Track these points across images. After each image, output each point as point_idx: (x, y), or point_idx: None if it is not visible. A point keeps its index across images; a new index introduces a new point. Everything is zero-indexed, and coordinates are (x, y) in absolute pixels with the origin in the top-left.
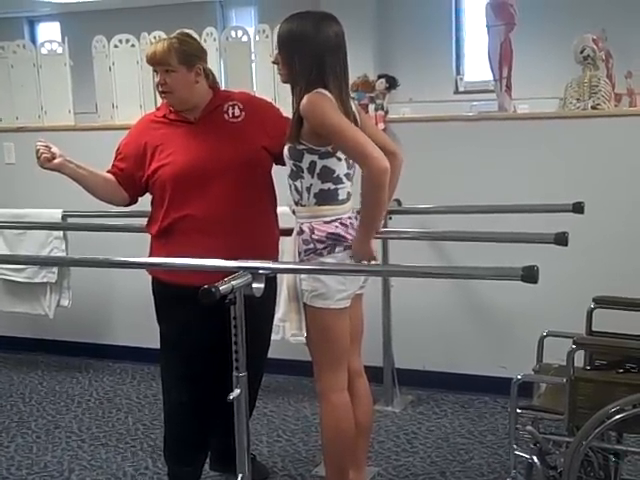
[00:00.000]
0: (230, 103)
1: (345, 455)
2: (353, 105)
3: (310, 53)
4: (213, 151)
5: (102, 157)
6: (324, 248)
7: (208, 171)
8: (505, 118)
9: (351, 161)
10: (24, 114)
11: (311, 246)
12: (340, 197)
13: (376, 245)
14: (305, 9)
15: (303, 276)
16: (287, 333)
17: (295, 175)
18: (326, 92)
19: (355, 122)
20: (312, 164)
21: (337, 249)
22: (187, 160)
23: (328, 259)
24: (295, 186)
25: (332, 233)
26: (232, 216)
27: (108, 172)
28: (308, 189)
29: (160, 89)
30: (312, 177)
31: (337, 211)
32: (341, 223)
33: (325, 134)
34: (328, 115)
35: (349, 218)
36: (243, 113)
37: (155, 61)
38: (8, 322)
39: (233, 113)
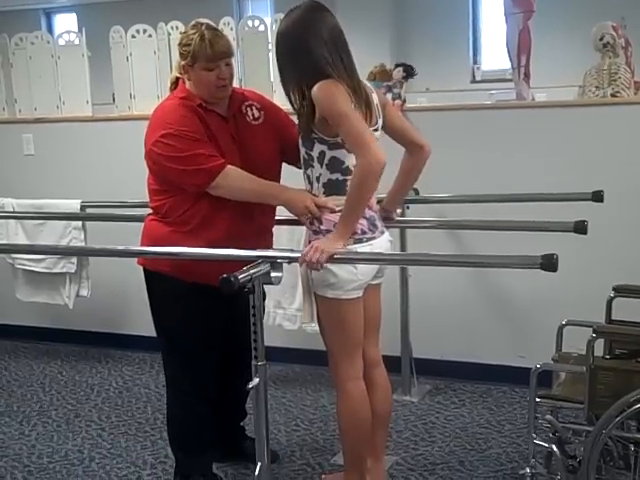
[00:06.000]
0: (247, 103)
1: (362, 444)
2: (376, 96)
3: (303, 52)
4: (246, 155)
5: (120, 147)
6: None
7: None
8: (523, 107)
9: None
10: (42, 105)
11: (320, 236)
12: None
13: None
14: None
15: None
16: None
17: (306, 164)
18: (338, 82)
19: (369, 111)
20: (321, 154)
21: (347, 242)
22: (231, 161)
23: None
24: (307, 175)
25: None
26: (257, 222)
27: (226, 163)
28: (317, 179)
29: (222, 83)
30: (321, 167)
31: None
32: None
33: (331, 120)
34: (336, 100)
35: None
36: (262, 113)
37: (227, 54)
38: (28, 312)
39: (253, 115)
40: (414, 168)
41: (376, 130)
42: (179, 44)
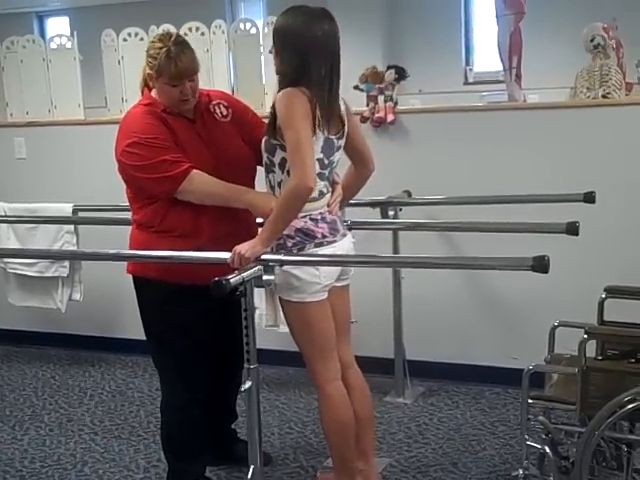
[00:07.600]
0: (214, 102)
1: (347, 444)
2: (343, 106)
3: (296, 50)
4: (217, 153)
5: (112, 151)
6: (294, 245)
7: (217, 174)
8: (515, 108)
9: (327, 162)
10: (34, 109)
11: (281, 241)
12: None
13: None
14: (311, 2)
15: (275, 270)
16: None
17: (268, 169)
18: (306, 91)
19: (342, 124)
20: (283, 160)
21: (307, 247)
22: (200, 163)
23: None
24: (268, 180)
25: (300, 229)
26: (242, 219)
27: (191, 168)
28: (279, 184)
29: (185, 98)
30: (282, 173)
31: (306, 208)
32: (310, 218)
33: (282, 128)
34: (291, 113)
35: (320, 213)
36: (230, 111)
37: (192, 72)
38: (20, 316)
39: (221, 112)
40: (355, 185)
41: (340, 138)
42: (147, 51)
